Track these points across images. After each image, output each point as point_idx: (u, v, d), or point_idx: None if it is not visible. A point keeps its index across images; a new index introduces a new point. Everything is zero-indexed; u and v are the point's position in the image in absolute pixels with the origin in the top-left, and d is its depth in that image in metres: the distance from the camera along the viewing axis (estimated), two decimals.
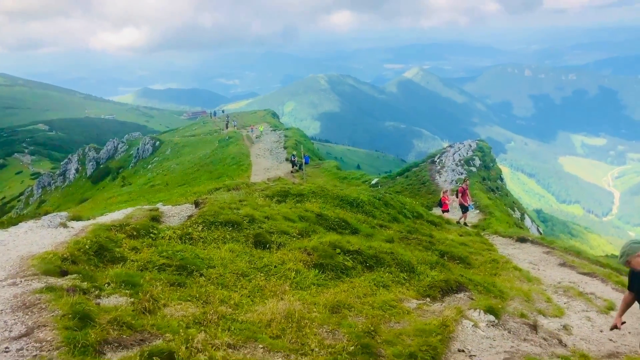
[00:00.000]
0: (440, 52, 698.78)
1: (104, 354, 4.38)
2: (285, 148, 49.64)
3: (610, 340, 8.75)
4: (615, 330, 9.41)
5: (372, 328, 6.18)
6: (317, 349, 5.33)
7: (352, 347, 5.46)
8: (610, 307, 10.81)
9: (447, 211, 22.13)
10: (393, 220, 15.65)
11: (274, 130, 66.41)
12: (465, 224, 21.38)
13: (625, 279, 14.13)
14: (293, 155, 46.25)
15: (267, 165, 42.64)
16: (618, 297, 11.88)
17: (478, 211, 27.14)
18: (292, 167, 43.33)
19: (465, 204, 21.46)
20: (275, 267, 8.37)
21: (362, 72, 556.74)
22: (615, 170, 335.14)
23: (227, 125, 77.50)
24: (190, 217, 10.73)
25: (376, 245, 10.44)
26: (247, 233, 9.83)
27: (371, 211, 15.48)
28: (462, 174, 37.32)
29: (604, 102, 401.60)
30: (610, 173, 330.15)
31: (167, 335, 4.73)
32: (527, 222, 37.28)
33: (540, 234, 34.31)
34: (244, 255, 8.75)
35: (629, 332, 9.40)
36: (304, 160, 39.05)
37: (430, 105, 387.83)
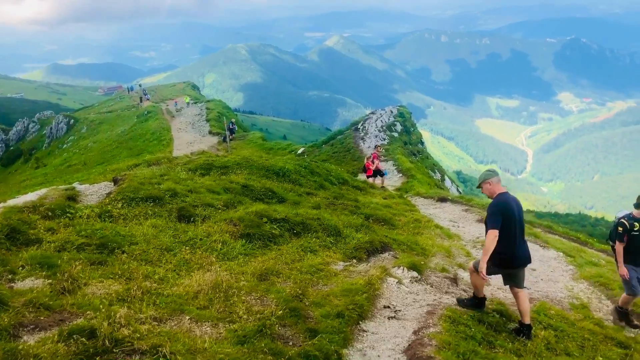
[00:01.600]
0: (359, 20, 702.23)
1: (20, 337, 4.19)
2: (207, 121, 48.53)
3: (525, 287, 9.33)
4: (529, 277, 10.07)
5: (300, 292, 6.27)
6: (245, 316, 5.36)
7: (281, 312, 5.52)
8: None
9: (372, 176, 22.60)
10: (319, 188, 15.80)
11: (195, 103, 64.76)
12: (382, 187, 22.10)
13: (535, 230, 15.10)
14: (232, 122, 45.90)
15: (189, 139, 41.60)
16: (530, 247, 12.67)
17: (401, 175, 27.92)
18: (230, 135, 43.79)
19: (382, 169, 22.51)
20: (200, 239, 8.27)
21: (283, 41, 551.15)
22: (528, 130, 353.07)
23: (141, 99, 74.70)
24: (109, 194, 10.35)
25: (303, 212, 10.52)
26: (170, 207, 9.62)
27: (298, 180, 15.53)
28: (384, 139, 38.13)
29: (516, 65, 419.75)
30: (523, 133, 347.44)
31: (89, 313, 4.59)
32: (447, 182, 38.76)
33: (460, 193, 35.78)
34: (168, 230, 8.58)
35: (542, 279, 10.08)
36: (227, 132, 38.42)
37: (352, 73, 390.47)
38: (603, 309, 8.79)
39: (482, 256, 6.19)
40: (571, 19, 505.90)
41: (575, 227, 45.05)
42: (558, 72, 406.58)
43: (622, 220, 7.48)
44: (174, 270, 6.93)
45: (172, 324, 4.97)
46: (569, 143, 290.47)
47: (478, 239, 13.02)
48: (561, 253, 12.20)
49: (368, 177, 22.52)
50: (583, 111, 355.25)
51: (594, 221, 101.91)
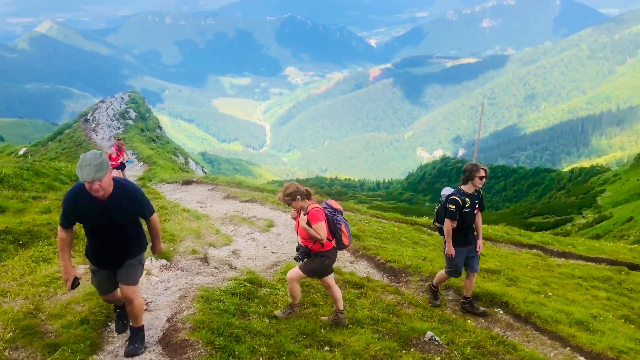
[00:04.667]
0: (73, 3, 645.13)
1: None
2: None
3: (273, 253, 9.89)
4: (275, 242, 10.71)
5: (33, 307, 5.61)
6: None
7: (11, 334, 4.87)
8: (270, 225, 12.16)
9: (117, 168, 21.35)
10: (49, 189, 14.35)
11: None
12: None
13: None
14: None
15: None
16: (275, 214, 13.46)
17: (142, 163, 26.99)
18: None
19: (124, 161, 21.37)
20: None
21: None
22: (262, 105, 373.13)
23: None
24: None
25: (29, 220, 9.42)
26: None
27: (20, 184, 13.83)
28: (119, 128, 36.35)
29: (242, 44, 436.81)
30: (258, 109, 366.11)
31: None
32: (192, 165, 38.84)
33: (206, 174, 36.22)
34: None
35: (287, 242, 10.80)
36: None
37: (75, 61, 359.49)
38: (340, 257, 9.82)
39: None
40: None
41: (315, 189, 49.47)
42: (282, 48, 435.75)
43: (453, 197, 6.80)
44: None
45: None
46: (299, 114, 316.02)
47: (226, 215, 13.34)
48: None
49: (114, 169, 21.26)
50: (308, 84, 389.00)
51: (330, 181, 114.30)
